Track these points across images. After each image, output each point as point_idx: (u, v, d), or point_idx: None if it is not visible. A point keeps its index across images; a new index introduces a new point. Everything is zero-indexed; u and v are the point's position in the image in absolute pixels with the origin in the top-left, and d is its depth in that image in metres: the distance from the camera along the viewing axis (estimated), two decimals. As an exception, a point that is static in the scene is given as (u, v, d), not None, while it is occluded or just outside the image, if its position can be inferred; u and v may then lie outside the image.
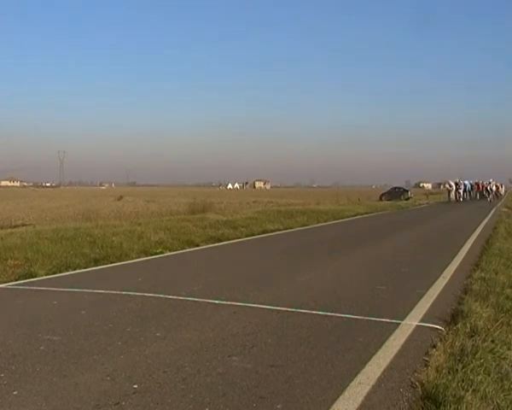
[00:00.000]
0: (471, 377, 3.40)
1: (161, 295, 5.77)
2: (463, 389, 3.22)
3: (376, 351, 3.91)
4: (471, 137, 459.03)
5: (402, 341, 4.20)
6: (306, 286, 6.52)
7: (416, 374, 3.51)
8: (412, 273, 7.57)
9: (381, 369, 3.55)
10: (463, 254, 9.53)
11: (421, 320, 4.83)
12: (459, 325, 4.55)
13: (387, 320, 4.79)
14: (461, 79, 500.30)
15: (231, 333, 4.37)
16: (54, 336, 4.26)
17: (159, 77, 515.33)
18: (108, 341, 4.15)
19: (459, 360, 3.71)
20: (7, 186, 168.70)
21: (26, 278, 7.14)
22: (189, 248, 10.71)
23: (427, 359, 3.80)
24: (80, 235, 10.60)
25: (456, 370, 3.53)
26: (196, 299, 5.61)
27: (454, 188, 41.41)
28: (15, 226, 16.55)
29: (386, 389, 3.24)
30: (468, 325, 4.52)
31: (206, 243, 11.41)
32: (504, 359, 3.81)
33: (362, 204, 32.64)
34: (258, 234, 13.63)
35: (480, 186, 46.26)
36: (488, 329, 4.44)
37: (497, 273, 7.17)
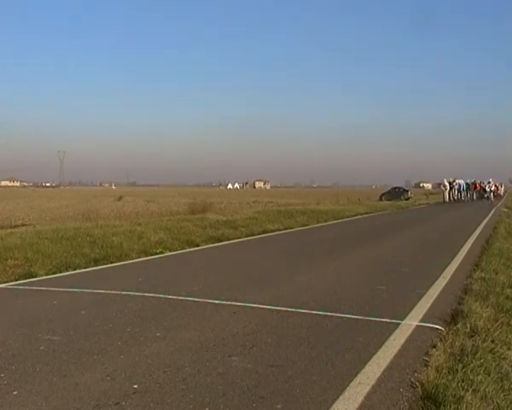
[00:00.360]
0: (471, 377, 3.40)
1: (161, 295, 5.77)
2: (463, 389, 3.22)
3: (376, 351, 3.91)
4: (471, 137, 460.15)
5: (402, 341, 4.20)
6: (306, 286, 6.52)
7: (416, 374, 3.51)
8: (412, 273, 7.57)
9: (381, 369, 3.55)
10: (463, 254, 9.53)
11: (422, 320, 4.82)
12: (459, 325, 4.55)
13: (387, 320, 4.79)
14: (461, 79, 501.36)
15: (231, 333, 4.37)
16: (54, 336, 4.26)
17: (159, 77, 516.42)
18: (108, 341, 4.15)
19: (459, 360, 3.71)
20: (7, 186, 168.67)
21: (26, 278, 7.14)
22: (189, 248, 10.71)
23: (427, 359, 3.80)
24: (80, 235, 10.60)
25: (456, 370, 3.53)
26: (196, 299, 5.61)
27: (448, 187, 39.42)
28: (15, 226, 16.55)
29: (386, 389, 3.24)
30: (468, 325, 4.52)
31: (206, 243, 11.41)
32: (504, 359, 3.81)
33: (362, 204, 32.64)
34: (258, 234, 13.63)
35: (478, 186, 43.96)
36: (488, 329, 4.44)
37: (497, 273, 7.17)
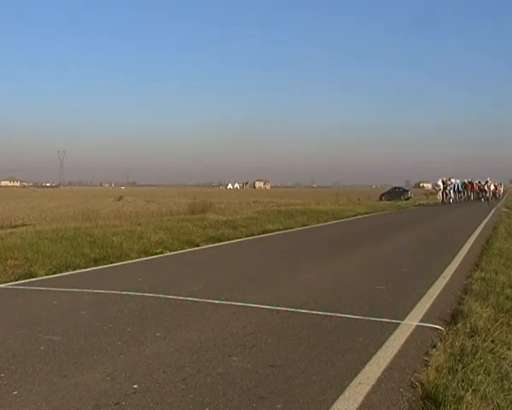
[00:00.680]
0: (471, 377, 3.40)
1: (161, 295, 5.77)
2: (463, 389, 3.22)
3: (376, 351, 3.91)
4: (471, 137, 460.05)
5: (402, 341, 4.20)
6: (306, 286, 6.52)
7: (416, 374, 3.51)
8: (412, 273, 7.57)
9: (381, 369, 3.55)
10: (463, 254, 9.53)
11: (421, 320, 4.82)
12: (459, 325, 4.55)
13: (387, 320, 4.79)
14: (461, 79, 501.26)
15: (231, 333, 4.37)
16: (54, 336, 4.26)
17: (159, 77, 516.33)
18: (108, 341, 4.15)
19: (459, 360, 3.71)
20: (7, 186, 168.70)
21: (26, 278, 7.14)
22: (189, 248, 10.71)
23: (427, 359, 3.80)
24: (80, 235, 10.60)
25: (456, 370, 3.53)
26: (196, 299, 5.61)
27: (442, 187, 36.50)
28: (15, 226, 16.55)
29: (386, 389, 3.24)
30: (468, 325, 4.52)
31: (206, 243, 11.41)
32: (504, 359, 3.81)
33: (362, 204, 32.64)
34: (258, 234, 13.63)
35: (475, 186, 41.47)
36: (488, 329, 4.44)
37: (497, 273, 7.17)
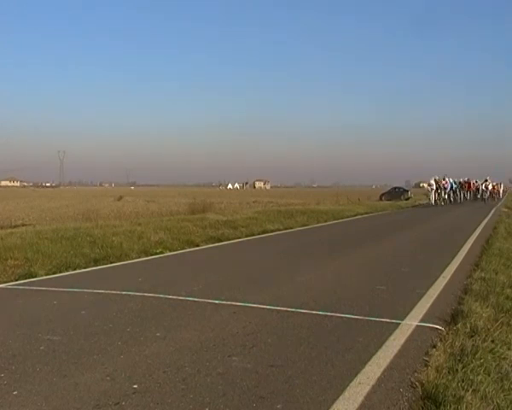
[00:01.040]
0: (471, 377, 3.40)
1: (161, 295, 5.77)
2: (463, 389, 3.22)
3: (376, 351, 3.91)
4: (471, 137, 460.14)
5: (402, 341, 4.20)
6: (306, 286, 6.52)
7: (416, 374, 3.51)
8: (412, 273, 7.57)
9: (381, 369, 3.55)
10: (463, 254, 9.53)
11: (421, 320, 4.82)
12: (459, 325, 4.55)
13: (387, 320, 4.79)
14: (461, 79, 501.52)
15: (231, 333, 4.37)
16: (54, 336, 4.26)
17: (159, 77, 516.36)
18: (108, 341, 4.15)
19: (459, 360, 3.71)
20: (7, 186, 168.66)
21: (26, 278, 7.14)
22: (189, 248, 10.71)
23: (427, 359, 3.80)
24: (80, 235, 10.60)
25: (456, 370, 3.53)
26: (196, 299, 5.61)
27: (435, 187, 33.46)
28: (15, 226, 16.55)
29: (386, 389, 3.24)
30: (468, 325, 4.52)
31: (206, 243, 11.40)
32: (504, 359, 3.81)
33: (362, 204, 32.64)
34: (258, 234, 13.63)
35: (472, 185, 38.84)
36: (488, 329, 4.44)
37: (497, 273, 7.17)
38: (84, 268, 8.05)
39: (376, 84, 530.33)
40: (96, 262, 8.49)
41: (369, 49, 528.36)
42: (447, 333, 4.41)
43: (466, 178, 38.80)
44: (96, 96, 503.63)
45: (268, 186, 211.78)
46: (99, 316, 4.95)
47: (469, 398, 3.08)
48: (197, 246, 11.00)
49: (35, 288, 6.46)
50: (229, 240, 12.16)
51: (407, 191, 54.60)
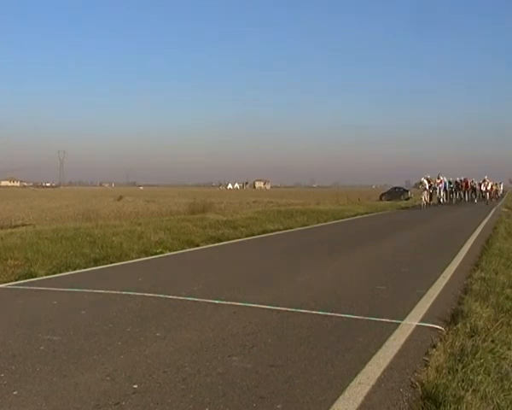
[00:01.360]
0: (471, 377, 3.40)
1: (161, 295, 5.77)
2: (463, 389, 3.22)
3: (376, 351, 3.91)
4: (471, 137, 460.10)
5: (402, 341, 4.20)
6: (306, 286, 6.52)
7: (416, 374, 3.51)
8: (412, 273, 7.57)
9: (381, 369, 3.55)
10: (463, 254, 9.53)
11: (421, 320, 4.82)
12: (459, 325, 4.55)
13: (387, 320, 4.79)
14: (461, 79, 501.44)
15: (231, 333, 4.37)
16: (54, 336, 4.26)
17: (159, 77, 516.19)
18: (108, 341, 4.15)
19: (459, 360, 3.71)
20: (7, 186, 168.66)
21: (26, 278, 7.14)
22: (189, 248, 10.71)
23: (427, 359, 3.80)
24: (80, 235, 10.60)
25: (456, 370, 3.53)
26: (196, 299, 5.61)
27: (427, 186, 30.46)
28: (15, 226, 16.56)
29: (386, 389, 3.24)
30: (468, 325, 4.52)
31: (206, 243, 11.41)
32: (504, 359, 3.81)
33: (362, 204, 32.64)
34: (258, 234, 13.63)
35: (469, 185, 36.75)
36: (488, 329, 4.44)
37: (497, 273, 7.17)
38: (84, 268, 8.05)
39: (376, 84, 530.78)
40: (96, 262, 8.49)
41: (369, 49, 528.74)
42: (447, 333, 4.41)
43: (462, 178, 36.97)
44: (96, 96, 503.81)
45: (268, 186, 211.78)
46: (99, 316, 4.95)
47: (469, 398, 3.08)
48: (197, 246, 11.00)
49: (35, 288, 6.47)
50: (229, 240, 12.16)
51: (407, 191, 54.58)
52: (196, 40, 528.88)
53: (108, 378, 3.36)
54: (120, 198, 47.86)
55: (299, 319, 4.82)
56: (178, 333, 4.39)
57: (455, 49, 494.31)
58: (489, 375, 3.47)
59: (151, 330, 4.43)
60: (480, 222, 17.99)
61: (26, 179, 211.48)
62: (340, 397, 3.09)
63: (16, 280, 7.06)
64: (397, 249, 11.02)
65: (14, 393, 3.14)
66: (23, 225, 17.89)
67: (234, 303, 5.41)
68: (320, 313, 5.05)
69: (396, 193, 51.42)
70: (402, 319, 4.81)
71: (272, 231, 14.45)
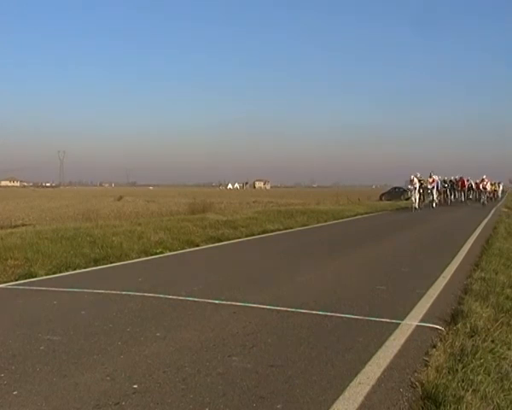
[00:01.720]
0: (471, 377, 3.40)
1: (161, 295, 5.77)
2: (463, 389, 3.22)
3: (376, 351, 3.91)
4: (471, 137, 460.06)
5: (402, 341, 4.20)
6: (306, 286, 6.52)
7: (415, 374, 3.51)
8: (412, 273, 7.57)
9: (381, 369, 3.55)
10: (463, 254, 9.53)
11: (421, 320, 4.83)
12: (459, 325, 4.55)
13: (387, 320, 4.79)
14: (461, 79, 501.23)
15: (231, 333, 4.37)
16: (54, 336, 4.26)
17: (159, 77, 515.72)
18: (108, 341, 4.15)
19: (459, 360, 3.71)
20: (7, 186, 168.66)
21: (26, 278, 7.14)
22: (189, 248, 10.71)
23: (427, 359, 3.80)
24: (80, 235, 10.60)
25: (456, 370, 3.53)
26: (196, 299, 5.61)
27: (418, 186, 27.48)
28: (15, 226, 16.55)
29: (386, 389, 3.24)
30: (468, 325, 4.52)
31: (206, 243, 11.41)
32: (504, 359, 3.81)
33: (362, 204, 32.64)
34: (258, 234, 13.63)
35: (466, 184, 34.67)
36: (488, 329, 4.44)
37: (497, 273, 7.17)
38: (84, 268, 8.05)
39: (376, 84, 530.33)
40: (96, 262, 8.49)
41: (369, 49, 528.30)
42: (447, 333, 4.41)
43: (458, 177, 34.82)
44: (95, 96, 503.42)
45: (268, 186, 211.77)
46: (99, 316, 4.95)
47: (469, 398, 3.08)
48: (197, 246, 11.00)
49: (35, 288, 6.47)
50: (229, 240, 12.16)
51: (407, 191, 54.54)
52: (196, 40, 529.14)
53: (108, 378, 3.37)
54: (120, 198, 47.86)
55: (299, 319, 4.82)
56: (178, 333, 4.39)
57: (455, 49, 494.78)
58: (489, 375, 3.47)
59: (151, 330, 4.43)
60: (480, 222, 17.99)
61: (26, 179, 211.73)
62: (340, 397, 3.09)
63: (16, 280, 7.06)
64: (397, 249, 11.02)
65: (14, 393, 3.14)
66: (23, 225, 17.88)
67: (234, 303, 5.41)
68: (320, 313, 5.05)
69: (396, 193, 51.36)
70: (402, 319, 4.81)
71: (272, 231, 14.45)
